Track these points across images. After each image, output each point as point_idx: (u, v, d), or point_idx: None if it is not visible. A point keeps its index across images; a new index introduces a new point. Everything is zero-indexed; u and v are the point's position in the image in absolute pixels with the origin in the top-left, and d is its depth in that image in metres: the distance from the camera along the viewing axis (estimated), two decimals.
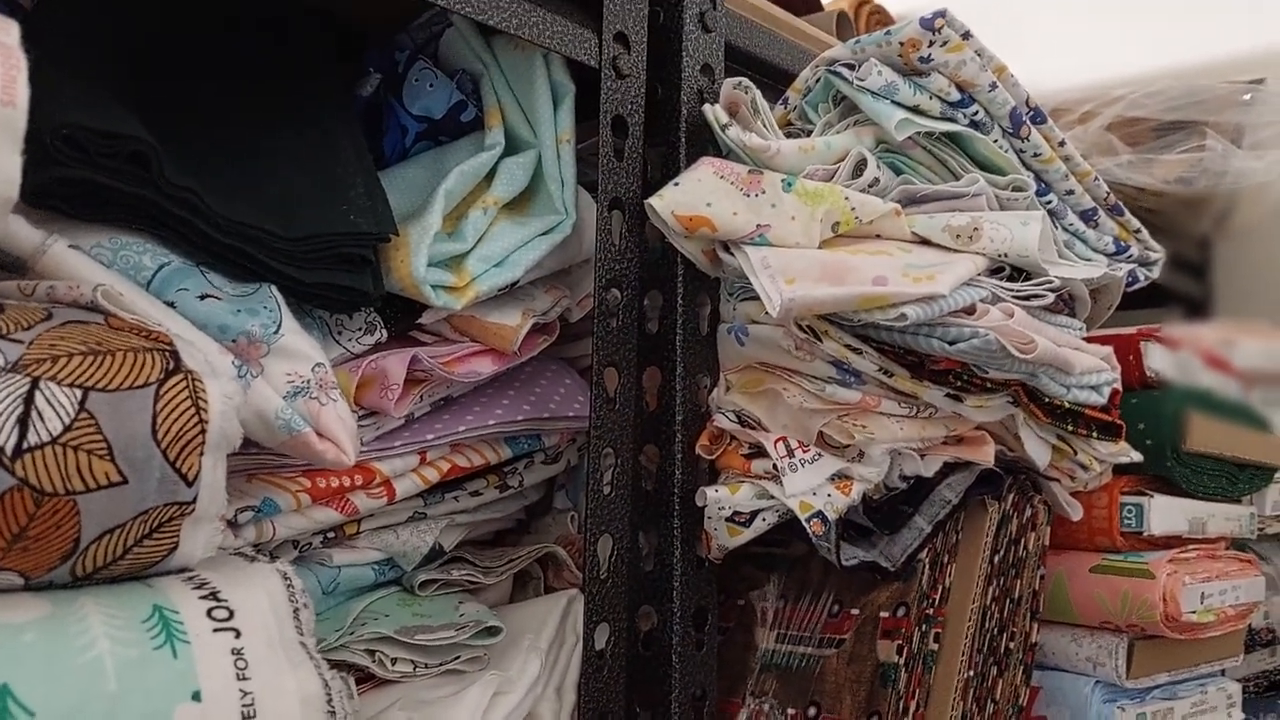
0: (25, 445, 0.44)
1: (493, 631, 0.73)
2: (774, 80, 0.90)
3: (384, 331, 0.72)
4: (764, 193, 0.76)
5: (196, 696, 0.45)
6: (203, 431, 0.50)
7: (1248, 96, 1.30)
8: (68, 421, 0.46)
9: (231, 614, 0.49)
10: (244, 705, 0.46)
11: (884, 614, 0.81)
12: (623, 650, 0.77)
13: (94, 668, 0.43)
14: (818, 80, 0.82)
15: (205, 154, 0.65)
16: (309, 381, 0.62)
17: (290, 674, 0.49)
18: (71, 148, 0.56)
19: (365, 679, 0.70)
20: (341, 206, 0.67)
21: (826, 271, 0.73)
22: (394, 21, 0.82)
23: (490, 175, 0.76)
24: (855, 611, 0.83)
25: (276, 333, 0.61)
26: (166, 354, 0.51)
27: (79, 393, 0.46)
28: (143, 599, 0.48)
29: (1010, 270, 0.80)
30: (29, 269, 0.56)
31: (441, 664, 0.71)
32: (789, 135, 0.82)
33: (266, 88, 0.73)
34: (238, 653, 0.47)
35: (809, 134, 0.81)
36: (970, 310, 0.74)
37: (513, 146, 0.78)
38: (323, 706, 0.49)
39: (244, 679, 0.47)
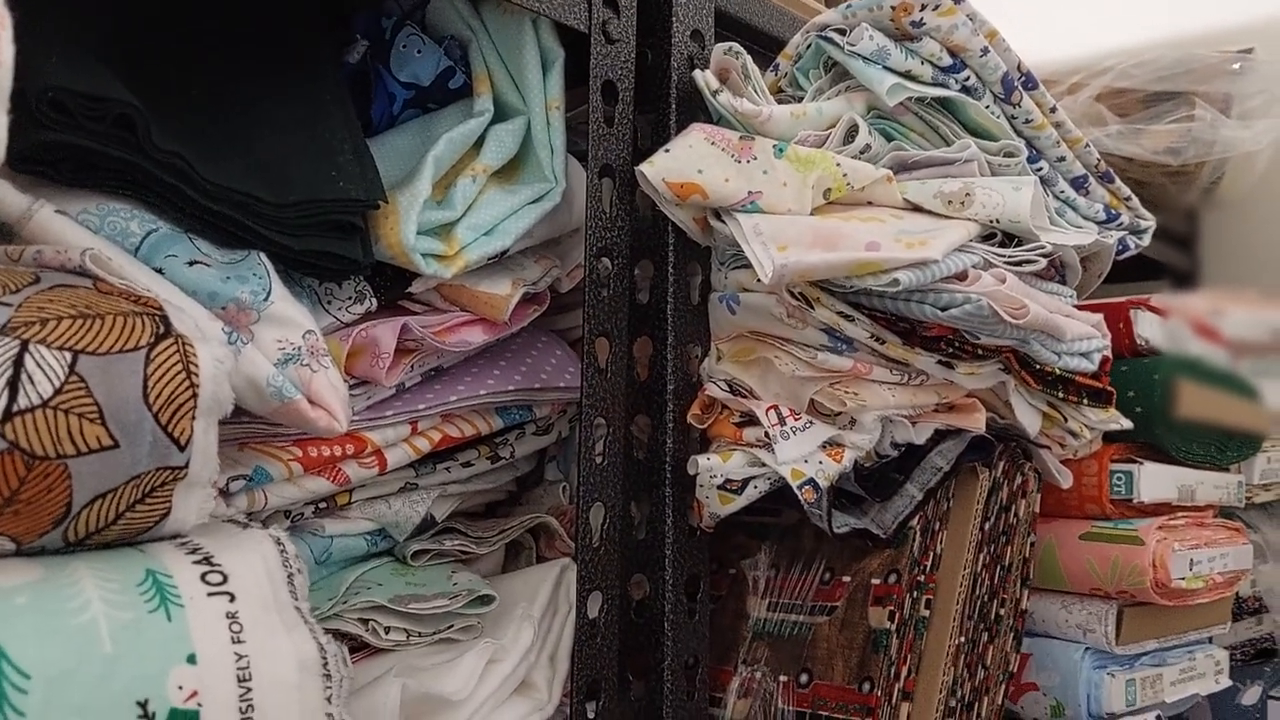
0: (15, 408, 0.44)
1: (486, 600, 0.73)
2: (764, 47, 0.89)
3: (373, 300, 0.72)
4: (755, 159, 0.76)
5: (192, 659, 0.45)
6: (194, 395, 0.49)
7: (1236, 66, 1.30)
8: (58, 384, 0.45)
9: (225, 578, 0.48)
10: (239, 667, 0.46)
11: (875, 581, 0.82)
12: (615, 618, 0.77)
13: (88, 630, 0.43)
14: (809, 46, 0.82)
15: (192, 120, 0.65)
16: (300, 349, 0.61)
17: (285, 637, 0.48)
18: (57, 111, 0.55)
19: (359, 648, 0.70)
20: (330, 173, 0.67)
21: (819, 238, 0.73)
22: None
23: (479, 142, 0.76)
24: (847, 579, 0.83)
25: (266, 299, 0.61)
26: (156, 318, 0.50)
27: (69, 356, 0.46)
28: (136, 563, 0.47)
29: (1002, 236, 0.80)
30: (15, 234, 0.56)
31: (435, 632, 0.71)
32: (780, 101, 0.81)
33: (252, 54, 0.72)
34: (232, 616, 0.47)
35: (800, 100, 0.81)
36: (962, 276, 0.74)
37: (501, 113, 0.77)
38: (319, 670, 0.49)
39: (239, 642, 0.46)
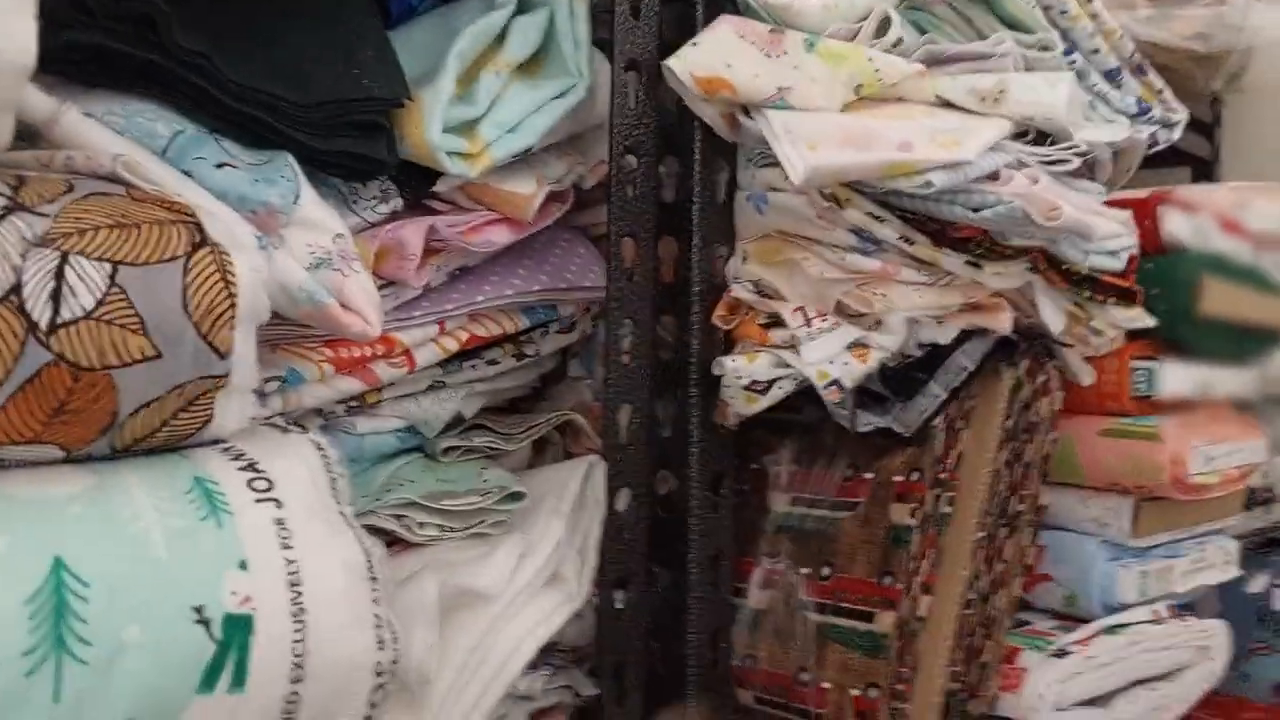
0: (59, 320, 0.44)
1: (516, 496, 0.74)
2: None
3: (399, 200, 0.71)
4: (785, 54, 0.74)
5: (243, 565, 0.46)
6: (233, 304, 0.49)
7: None
8: (100, 296, 0.45)
9: (271, 485, 0.49)
10: (290, 573, 0.47)
11: (898, 478, 0.82)
12: (643, 513, 0.78)
13: (143, 538, 0.44)
14: None
15: (214, 19, 0.63)
16: (330, 253, 0.61)
17: (331, 541, 0.49)
18: (80, 11, 0.54)
19: (393, 543, 0.71)
20: (354, 70, 0.66)
21: (850, 137, 0.71)
22: None
23: (502, 36, 0.74)
24: (869, 476, 0.84)
25: (295, 203, 0.60)
26: (191, 226, 0.50)
27: (109, 267, 0.46)
28: (183, 471, 0.48)
29: (1035, 134, 0.78)
30: (42, 138, 0.55)
31: (467, 528, 0.72)
32: None
33: None
34: (280, 522, 0.48)
35: None
36: (995, 176, 0.73)
37: (524, 5, 0.75)
38: (364, 572, 0.50)
39: (287, 547, 0.47)
